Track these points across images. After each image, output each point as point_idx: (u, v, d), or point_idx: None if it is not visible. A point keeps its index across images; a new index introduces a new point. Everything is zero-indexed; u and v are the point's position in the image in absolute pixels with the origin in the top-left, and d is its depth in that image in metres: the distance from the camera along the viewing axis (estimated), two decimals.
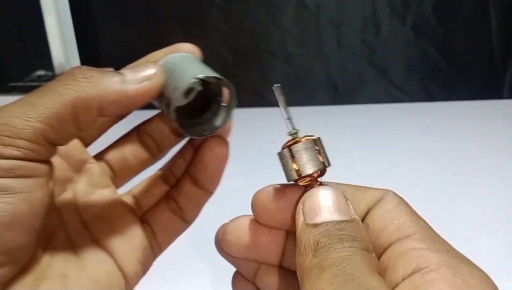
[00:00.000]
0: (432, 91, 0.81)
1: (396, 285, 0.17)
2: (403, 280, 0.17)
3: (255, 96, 0.84)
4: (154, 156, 0.27)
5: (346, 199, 0.20)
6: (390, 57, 0.80)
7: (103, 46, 0.86)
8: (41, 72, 0.81)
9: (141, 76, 0.22)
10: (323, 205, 0.19)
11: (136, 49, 0.95)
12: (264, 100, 0.84)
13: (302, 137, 0.21)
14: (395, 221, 0.19)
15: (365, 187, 0.22)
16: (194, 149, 0.26)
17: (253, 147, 0.67)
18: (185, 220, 0.26)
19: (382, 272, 0.18)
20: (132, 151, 0.26)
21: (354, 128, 0.72)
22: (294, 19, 0.79)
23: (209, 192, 0.25)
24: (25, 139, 0.19)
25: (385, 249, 0.19)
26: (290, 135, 0.21)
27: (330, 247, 0.17)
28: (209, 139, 0.25)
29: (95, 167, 0.26)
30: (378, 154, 0.64)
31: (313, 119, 0.78)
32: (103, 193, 0.25)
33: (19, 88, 0.75)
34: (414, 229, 0.19)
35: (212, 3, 0.80)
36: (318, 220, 0.19)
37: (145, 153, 0.26)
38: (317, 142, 0.21)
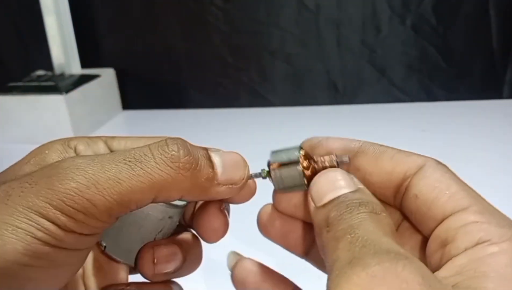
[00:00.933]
0: (432, 91, 0.81)
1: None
2: (465, 251, 0.17)
3: (255, 96, 0.84)
4: None
5: (348, 173, 0.20)
6: (390, 57, 0.80)
7: (103, 46, 0.86)
8: (40, 72, 0.81)
9: (229, 179, 0.21)
10: (328, 185, 0.20)
11: (136, 49, 0.95)
12: (264, 100, 0.84)
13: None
14: (446, 191, 0.19)
15: (407, 151, 0.22)
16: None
17: (253, 147, 0.67)
18: None
19: (439, 245, 0.18)
20: None
21: (354, 128, 0.72)
22: (294, 19, 0.79)
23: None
24: (98, 220, 0.18)
25: (439, 221, 0.19)
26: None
27: (339, 219, 0.18)
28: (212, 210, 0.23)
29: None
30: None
31: (313, 119, 0.78)
32: None
33: (19, 88, 0.75)
34: (469, 200, 0.19)
35: (212, 3, 0.80)
36: (326, 200, 0.19)
37: None
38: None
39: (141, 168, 0.18)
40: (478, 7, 0.75)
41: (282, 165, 0.22)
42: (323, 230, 0.18)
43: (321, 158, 0.22)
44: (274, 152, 0.23)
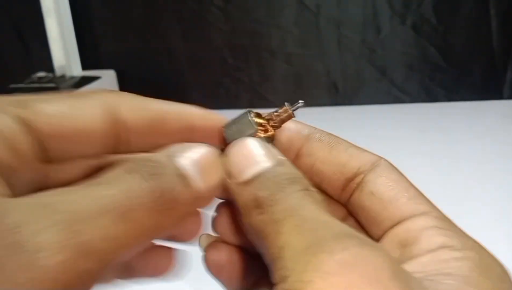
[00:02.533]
0: (432, 91, 0.81)
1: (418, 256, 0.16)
2: (428, 252, 0.16)
3: (255, 96, 0.84)
4: None
5: (264, 142, 0.18)
6: (390, 57, 0.80)
7: (104, 48, 0.86)
8: (41, 74, 0.81)
9: (210, 186, 0.17)
10: (246, 158, 0.17)
11: (136, 51, 0.95)
12: (264, 100, 0.84)
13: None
14: (405, 194, 0.19)
15: (360, 147, 0.21)
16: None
17: None
18: None
19: (396, 245, 0.17)
20: None
21: (354, 128, 0.72)
22: (294, 19, 0.79)
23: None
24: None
25: (395, 222, 0.18)
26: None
27: (273, 199, 0.16)
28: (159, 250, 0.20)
29: None
30: (378, 154, 0.64)
31: (313, 119, 0.78)
32: None
33: (20, 89, 0.75)
34: (429, 207, 0.18)
35: (212, 3, 0.80)
36: (248, 175, 0.17)
37: None
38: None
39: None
40: (478, 7, 0.75)
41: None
42: (252, 211, 0.16)
43: (273, 114, 0.20)
44: (225, 125, 0.21)
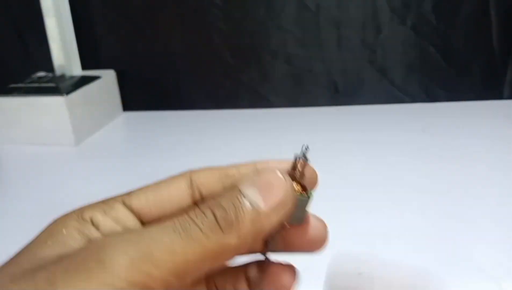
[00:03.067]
0: (432, 91, 0.81)
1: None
2: None
3: (255, 97, 0.84)
4: None
5: None
6: (390, 57, 0.80)
7: (104, 48, 0.86)
8: (41, 74, 0.82)
9: (276, 203, 0.20)
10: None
11: (136, 50, 0.95)
12: (264, 100, 0.84)
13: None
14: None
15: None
16: (259, 269, 0.24)
17: (253, 148, 0.67)
18: None
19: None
20: None
21: (354, 128, 0.72)
22: (294, 19, 0.79)
23: None
24: None
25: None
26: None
27: None
28: (280, 266, 0.23)
29: None
30: (378, 154, 0.64)
31: (313, 120, 0.78)
32: None
33: (20, 89, 0.75)
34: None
35: (212, 3, 0.80)
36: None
37: None
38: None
39: (191, 238, 0.18)
40: (478, 7, 0.75)
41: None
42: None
43: (294, 171, 0.22)
44: None
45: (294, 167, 0.22)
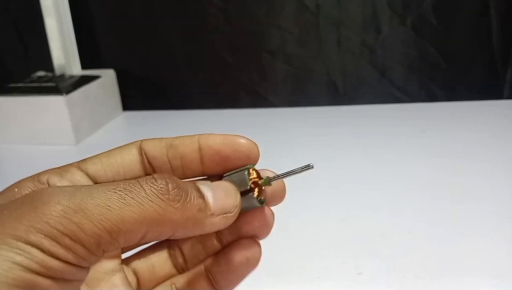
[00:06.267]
0: (432, 91, 0.81)
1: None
2: None
3: (255, 96, 0.84)
4: (180, 273, 0.25)
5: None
6: (390, 57, 0.80)
7: (103, 47, 0.86)
8: (41, 73, 0.81)
9: (222, 208, 0.21)
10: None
11: (136, 50, 0.95)
12: (264, 100, 0.84)
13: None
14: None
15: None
16: (220, 242, 0.25)
17: None
18: None
19: None
20: (160, 262, 0.25)
21: (354, 128, 0.72)
22: (294, 19, 0.79)
23: None
24: (85, 247, 0.17)
25: None
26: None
27: None
28: (244, 240, 0.24)
29: (118, 277, 0.24)
30: (378, 154, 0.64)
31: (313, 119, 0.78)
32: None
33: (20, 89, 0.75)
34: None
35: (212, 3, 0.80)
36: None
37: (172, 268, 0.25)
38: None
39: (131, 198, 0.18)
40: (478, 7, 0.75)
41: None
42: None
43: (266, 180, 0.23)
44: (225, 176, 0.23)
45: (259, 175, 0.23)
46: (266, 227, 0.23)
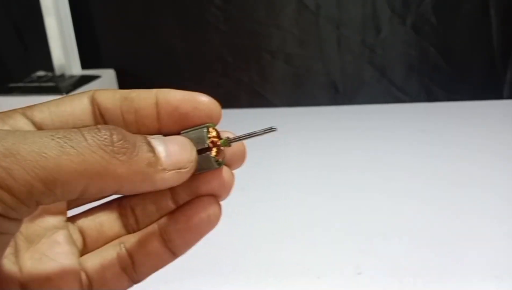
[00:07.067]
0: (432, 91, 0.81)
1: None
2: None
3: (255, 96, 0.84)
4: (130, 233, 0.23)
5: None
6: (390, 57, 0.80)
7: (103, 47, 0.86)
8: (41, 73, 0.81)
9: (176, 163, 0.19)
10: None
11: (136, 50, 0.95)
12: (264, 100, 0.84)
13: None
14: None
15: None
16: (176, 203, 0.22)
17: (252, 148, 0.67)
18: (134, 280, 0.22)
19: None
20: (109, 222, 0.23)
21: (354, 128, 0.72)
22: (294, 19, 0.79)
23: (174, 257, 0.22)
24: (14, 196, 0.15)
25: None
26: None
27: None
28: (205, 197, 0.22)
29: (61, 234, 0.22)
30: (378, 154, 0.64)
31: (313, 119, 0.78)
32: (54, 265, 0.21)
33: (19, 88, 0.75)
34: None
35: (212, 3, 0.80)
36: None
37: (122, 228, 0.23)
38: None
39: (71, 147, 0.16)
40: (478, 7, 0.75)
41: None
42: None
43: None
44: (183, 132, 0.22)
45: (218, 135, 0.22)
46: (225, 188, 0.22)
